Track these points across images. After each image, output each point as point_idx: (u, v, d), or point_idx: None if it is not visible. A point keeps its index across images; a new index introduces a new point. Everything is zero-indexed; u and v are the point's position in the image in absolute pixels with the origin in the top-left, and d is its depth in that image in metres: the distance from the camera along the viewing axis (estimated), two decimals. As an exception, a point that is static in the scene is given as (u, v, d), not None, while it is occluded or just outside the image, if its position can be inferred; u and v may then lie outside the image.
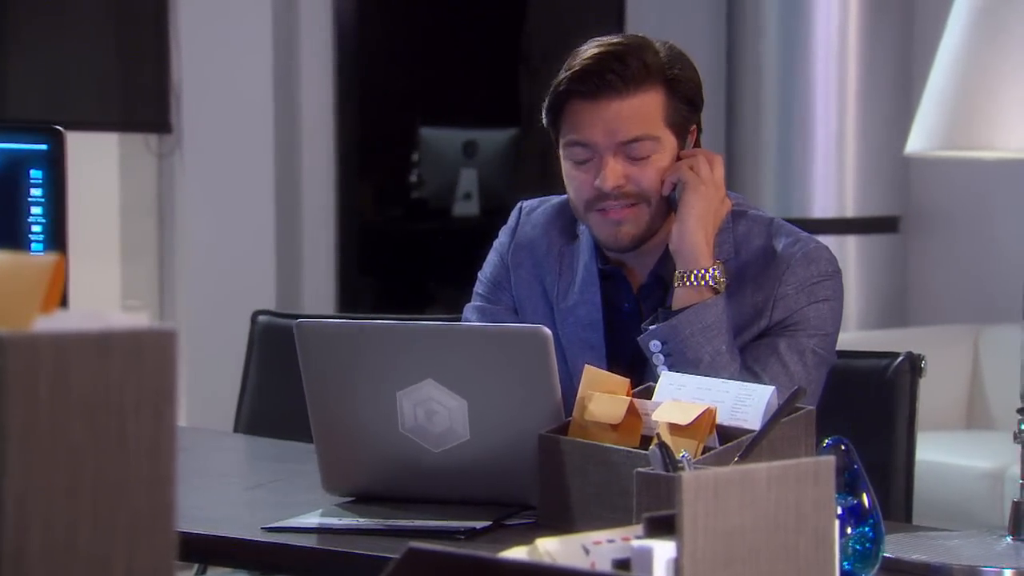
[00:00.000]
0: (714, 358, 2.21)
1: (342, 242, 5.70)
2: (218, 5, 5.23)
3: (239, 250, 5.27)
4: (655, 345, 2.23)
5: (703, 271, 2.24)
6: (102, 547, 1.12)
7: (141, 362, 1.12)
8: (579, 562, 1.48)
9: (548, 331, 2.09)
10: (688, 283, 2.25)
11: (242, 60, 5.29)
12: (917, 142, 2.40)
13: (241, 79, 5.29)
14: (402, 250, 6.94)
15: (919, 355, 2.56)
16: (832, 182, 5.19)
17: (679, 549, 1.37)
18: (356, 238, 5.92)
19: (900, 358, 2.57)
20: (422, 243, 6.96)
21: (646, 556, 1.42)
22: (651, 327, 2.24)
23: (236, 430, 3.04)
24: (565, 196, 2.41)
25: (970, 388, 5.04)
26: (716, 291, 2.25)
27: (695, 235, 2.25)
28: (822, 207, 5.14)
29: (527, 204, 2.47)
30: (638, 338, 2.26)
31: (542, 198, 2.49)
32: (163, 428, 1.14)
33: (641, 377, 2.23)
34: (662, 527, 1.45)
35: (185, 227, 5.23)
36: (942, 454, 4.47)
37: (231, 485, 2.36)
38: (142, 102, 5.25)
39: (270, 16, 5.34)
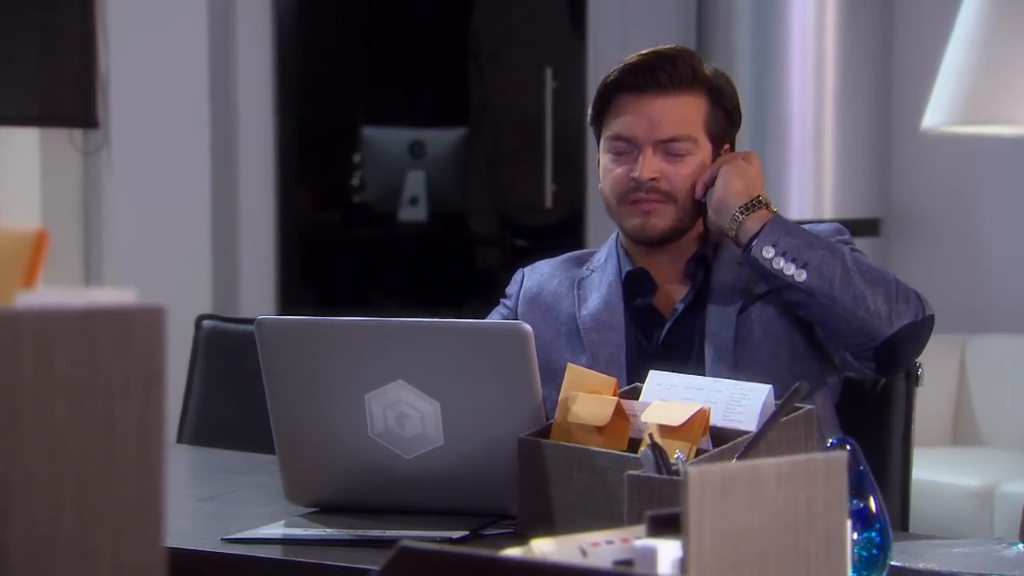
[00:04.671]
0: (822, 241, 2.42)
1: (281, 248, 5.70)
2: (149, -10, 5.23)
3: (172, 255, 5.25)
4: (768, 251, 2.41)
5: (755, 199, 2.45)
6: (87, 538, 1.13)
7: (128, 341, 1.14)
8: (577, 564, 1.49)
9: (528, 328, 2.11)
10: (749, 212, 2.44)
11: (175, 50, 5.28)
12: (934, 117, 2.46)
13: (174, 70, 5.27)
14: (344, 257, 6.93)
15: (915, 362, 2.60)
16: (809, 182, 5.23)
17: (685, 550, 1.39)
18: (296, 244, 5.91)
19: (896, 366, 2.60)
20: (365, 250, 6.95)
21: (650, 555, 1.43)
22: (752, 244, 2.41)
23: (180, 441, 3.04)
24: (566, 254, 2.66)
25: (956, 402, 5.08)
26: (773, 212, 2.47)
27: (736, 184, 2.45)
28: (799, 209, 5.17)
29: (527, 268, 2.66)
30: (752, 256, 2.41)
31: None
32: (152, 412, 1.15)
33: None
34: (665, 527, 1.47)
35: (113, 230, 5.21)
36: (929, 472, 4.50)
37: (183, 497, 2.36)
38: (65, 94, 5.22)
39: (205, 4, 5.34)
